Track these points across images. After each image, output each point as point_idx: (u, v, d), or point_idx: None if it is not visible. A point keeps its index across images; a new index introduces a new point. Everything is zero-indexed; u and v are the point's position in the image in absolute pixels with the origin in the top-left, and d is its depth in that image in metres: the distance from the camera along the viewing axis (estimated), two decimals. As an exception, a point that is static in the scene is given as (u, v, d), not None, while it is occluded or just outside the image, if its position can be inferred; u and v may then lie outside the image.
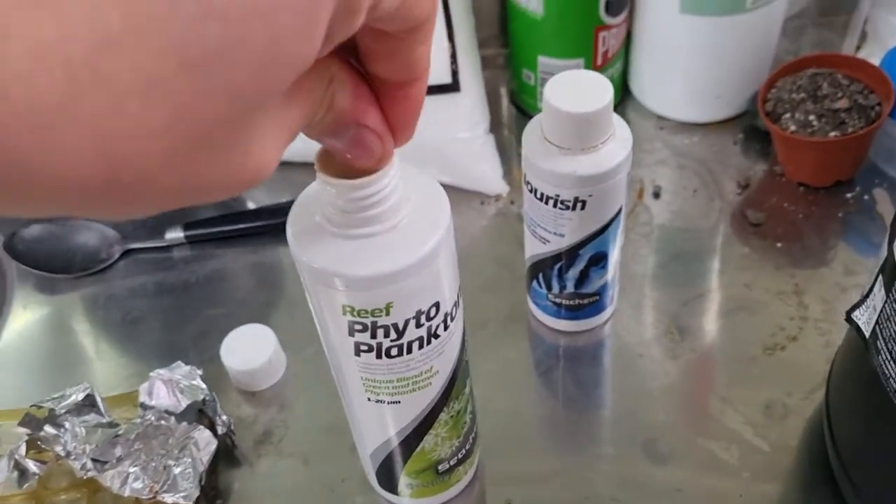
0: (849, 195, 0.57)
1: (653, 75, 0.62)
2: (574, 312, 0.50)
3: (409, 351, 0.34)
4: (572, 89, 0.41)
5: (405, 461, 0.40)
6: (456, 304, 0.35)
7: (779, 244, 0.55)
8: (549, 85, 0.41)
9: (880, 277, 0.35)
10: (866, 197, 0.57)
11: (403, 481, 0.42)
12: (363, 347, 0.34)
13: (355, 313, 0.32)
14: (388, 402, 0.37)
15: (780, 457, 0.45)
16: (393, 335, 0.33)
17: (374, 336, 0.33)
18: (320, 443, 0.48)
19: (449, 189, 0.60)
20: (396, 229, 0.31)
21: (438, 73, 0.57)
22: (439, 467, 0.41)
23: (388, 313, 0.32)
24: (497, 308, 0.54)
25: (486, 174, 0.59)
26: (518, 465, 0.46)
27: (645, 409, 0.48)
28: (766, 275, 0.53)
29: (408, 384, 0.36)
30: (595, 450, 0.46)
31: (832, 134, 0.53)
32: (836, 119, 0.54)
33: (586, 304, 0.49)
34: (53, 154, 0.16)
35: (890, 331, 0.33)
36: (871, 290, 0.36)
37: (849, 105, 0.54)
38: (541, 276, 0.49)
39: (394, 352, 0.34)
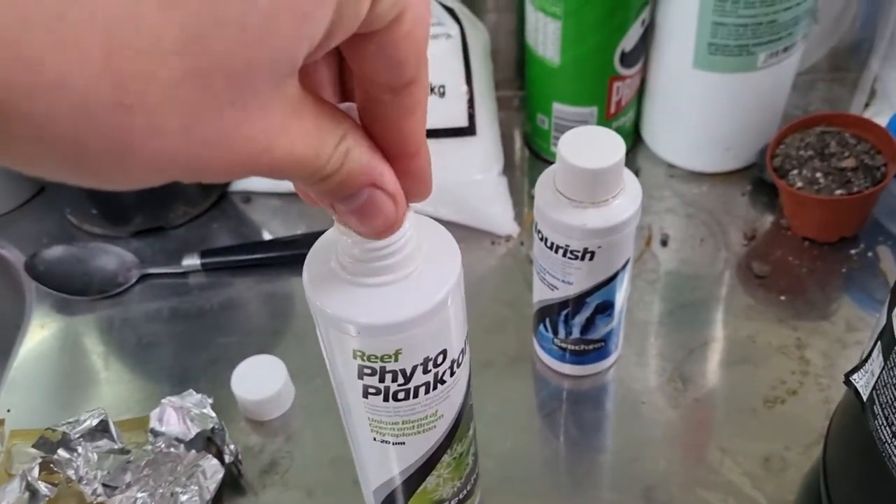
0: (853, 251, 0.58)
1: (664, 125, 0.64)
2: (579, 357, 0.51)
3: (416, 395, 0.35)
4: (586, 144, 0.42)
5: (407, 500, 0.41)
6: (463, 351, 0.36)
7: (782, 297, 0.56)
8: (564, 139, 0.42)
9: (879, 344, 0.36)
10: (870, 254, 0.58)
11: (405, 519, 0.43)
12: (371, 390, 0.35)
13: (365, 358, 0.33)
14: (393, 443, 0.38)
15: (776, 511, 0.45)
16: (401, 380, 0.34)
17: (382, 380, 0.34)
18: (325, 475, 0.49)
19: (460, 228, 0.62)
20: (408, 279, 0.33)
21: (455, 116, 0.58)
22: (440, 507, 0.42)
23: (396, 359, 0.33)
24: (503, 349, 0.55)
25: (498, 216, 0.61)
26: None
27: (646, 457, 0.48)
28: (769, 327, 0.54)
29: (413, 427, 0.37)
30: (594, 494, 0.47)
31: (838, 192, 0.54)
32: (842, 178, 0.55)
33: (591, 350, 0.50)
34: (62, 50, 0.15)
35: (887, 397, 0.34)
36: (869, 354, 0.37)
37: (855, 164, 0.55)
38: (547, 320, 0.50)
39: (401, 395, 0.35)
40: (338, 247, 0.33)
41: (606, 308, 0.47)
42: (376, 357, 0.33)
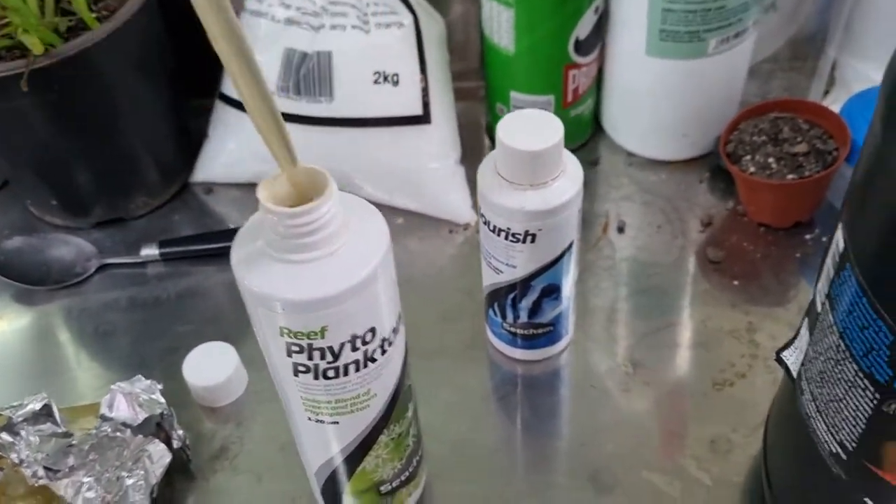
0: (808, 237, 0.58)
1: (622, 112, 0.64)
2: (529, 342, 0.51)
3: (346, 373, 0.35)
4: (525, 127, 0.42)
5: (347, 480, 0.41)
6: (395, 330, 0.36)
7: (736, 282, 0.56)
8: (502, 123, 0.42)
9: (807, 320, 0.36)
10: (825, 239, 0.58)
11: (347, 501, 0.43)
12: (301, 368, 0.35)
13: (292, 335, 0.33)
14: (328, 423, 0.38)
15: (721, 492, 0.46)
16: (329, 357, 0.34)
17: (310, 357, 0.34)
18: (274, 461, 0.49)
19: (417, 217, 0.62)
20: (333, 256, 0.33)
21: (410, 104, 0.58)
22: (381, 488, 0.42)
23: (323, 336, 0.33)
24: (458, 336, 0.55)
25: (456, 204, 0.61)
26: (467, 489, 0.47)
27: (594, 441, 0.49)
28: (721, 312, 0.54)
29: (346, 405, 0.37)
30: (543, 478, 0.47)
31: (790, 177, 0.54)
32: (794, 163, 0.55)
33: (541, 335, 0.51)
34: None
35: (812, 372, 0.34)
36: (798, 331, 0.37)
37: (807, 149, 0.55)
38: (496, 305, 0.50)
39: (330, 374, 0.35)
40: (265, 225, 0.33)
41: (553, 291, 0.48)
42: (303, 334, 0.33)
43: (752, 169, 0.56)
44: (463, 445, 0.49)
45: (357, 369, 0.35)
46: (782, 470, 0.40)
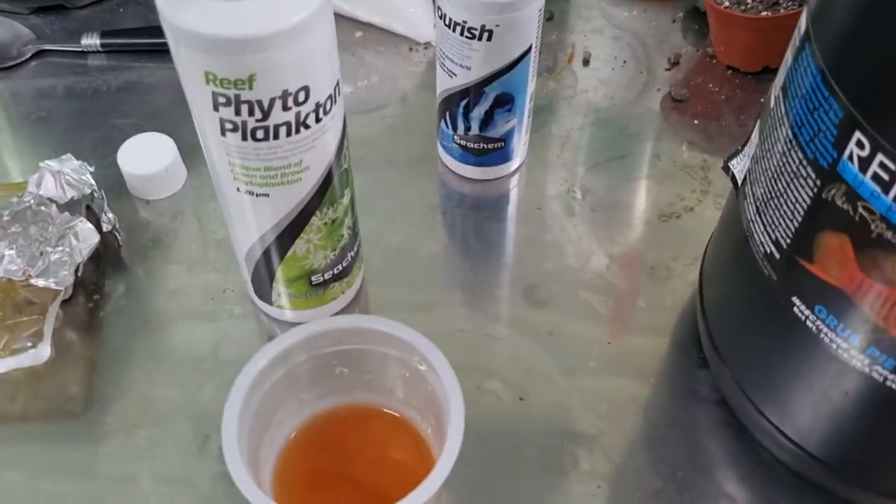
0: (775, 84, 0.57)
1: (601, -60, 0.61)
2: (479, 157, 0.50)
3: (276, 136, 0.34)
4: None
5: (278, 264, 0.40)
6: (332, 99, 0.35)
7: (696, 121, 0.55)
8: None
9: (758, 125, 0.35)
10: (791, 87, 0.56)
11: (277, 290, 0.42)
12: (228, 125, 0.33)
13: (218, 83, 0.31)
14: (258, 195, 0.36)
15: (654, 314, 0.46)
16: (258, 114, 0.33)
17: (238, 112, 0.32)
18: (207, 254, 0.48)
19: (378, 32, 0.60)
20: (266, -1, 0.30)
21: None
22: (313, 278, 0.41)
23: (251, 87, 0.31)
24: (407, 150, 0.53)
25: (417, 18, 0.58)
26: (401, 295, 0.47)
27: (534, 258, 0.48)
28: (677, 148, 0.53)
29: (276, 175, 0.35)
30: (478, 290, 0.47)
31: (764, 13, 0.52)
32: (770, 0, 0.53)
33: (491, 150, 0.49)
34: None
35: (757, 173, 0.34)
36: (748, 138, 0.36)
37: (786, -13, 0.53)
38: (448, 114, 0.48)
39: (259, 134, 0.33)
40: (195, -41, 0.30)
41: (506, 102, 0.46)
42: (229, 82, 0.31)
43: (726, 3, 0.54)
44: (400, 253, 0.48)
45: (288, 133, 0.34)
46: (716, 285, 0.40)
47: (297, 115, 0.33)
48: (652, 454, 0.41)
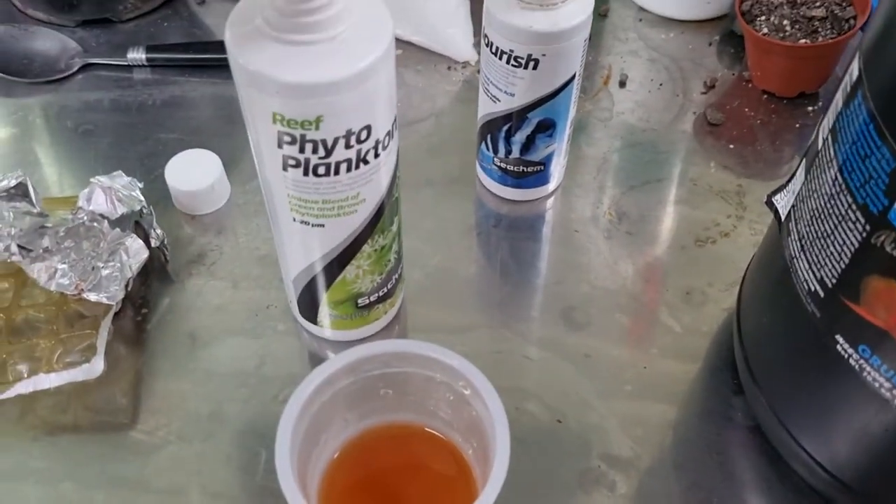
0: (810, 108, 0.57)
1: (639, -38, 0.61)
2: (518, 180, 0.51)
3: (337, 172, 0.35)
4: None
5: (326, 289, 0.41)
6: (389, 135, 0.36)
7: (731, 146, 0.55)
8: (519, -65, 0.40)
9: (804, 161, 0.36)
10: (826, 112, 0.57)
11: (323, 311, 0.43)
12: (291, 162, 0.34)
13: (285, 123, 0.32)
14: (313, 225, 0.37)
15: (690, 339, 0.46)
16: (321, 152, 0.34)
17: (302, 150, 0.33)
18: (251, 271, 0.49)
19: (418, 51, 0.60)
20: (335, 41, 0.31)
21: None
22: (359, 301, 0.43)
23: (317, 127, 0.32)
24: (446, 170, 0.54)
25: (456, 39, 0.59)
26: (440, 315, 0.48)
27: (570, 280, 0.49)
28: (712, 173, 0.54)
29: (333, 207, 0.36)
30: (515, 311, 0.48)
31: (802, 41, 0.53)
32: (809, 27, 0.53)
33: (530, 173, 0.50)
34: None
35: (802, 211, 0.34)
36: (794, 174, 0.37)
37: (824, 14, 0.53)
38: (489, 137, 0.49)
39: (321, 170, 0.34)
40: (264, 1, 0.31)
41: (548, 127, 0.47)
42: (297, 123, 0.32)
43: (765, 30, 0.54)
44: (440, 274, 0.49)
45: (349, 169, 0.35)
46: (755, 315, 0.41)
47: (359, 152, 0.34)
48: (687, 479, 0.42)
